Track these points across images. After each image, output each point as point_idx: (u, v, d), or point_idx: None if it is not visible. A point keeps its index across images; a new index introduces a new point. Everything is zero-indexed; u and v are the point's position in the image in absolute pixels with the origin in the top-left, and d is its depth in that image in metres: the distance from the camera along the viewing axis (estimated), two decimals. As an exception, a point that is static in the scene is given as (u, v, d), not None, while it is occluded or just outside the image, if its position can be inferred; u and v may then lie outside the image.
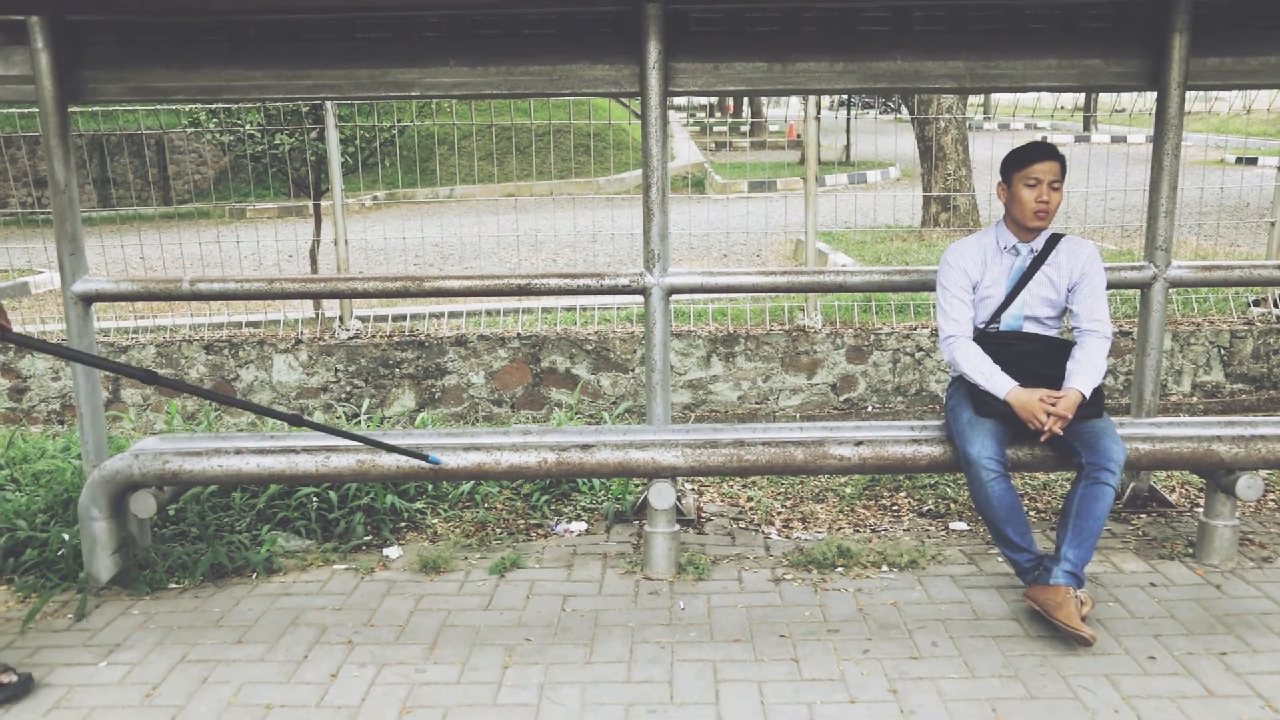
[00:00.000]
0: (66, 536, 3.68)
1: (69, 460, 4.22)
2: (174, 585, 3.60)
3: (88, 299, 3.79)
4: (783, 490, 4.56)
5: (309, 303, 7.31)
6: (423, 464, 3.48)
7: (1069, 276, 3.43)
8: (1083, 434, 3.29)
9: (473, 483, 4.34)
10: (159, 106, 8.03)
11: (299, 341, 6.70)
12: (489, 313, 7.11)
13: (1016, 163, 3.40)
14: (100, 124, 9.08)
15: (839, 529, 4.13)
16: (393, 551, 3.89)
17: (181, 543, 3.85)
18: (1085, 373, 3.31)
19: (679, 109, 25.35)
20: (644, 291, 3.87)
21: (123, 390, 6.73)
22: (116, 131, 8.72)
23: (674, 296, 4.07)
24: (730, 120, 27.37)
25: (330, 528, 4.02)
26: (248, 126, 7.58)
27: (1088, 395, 3.28)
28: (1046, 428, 3.25)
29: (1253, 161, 14.56)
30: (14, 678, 2.90)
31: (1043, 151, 3.38)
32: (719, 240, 10.00)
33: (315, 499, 4.06)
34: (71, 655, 3.13)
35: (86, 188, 13.84)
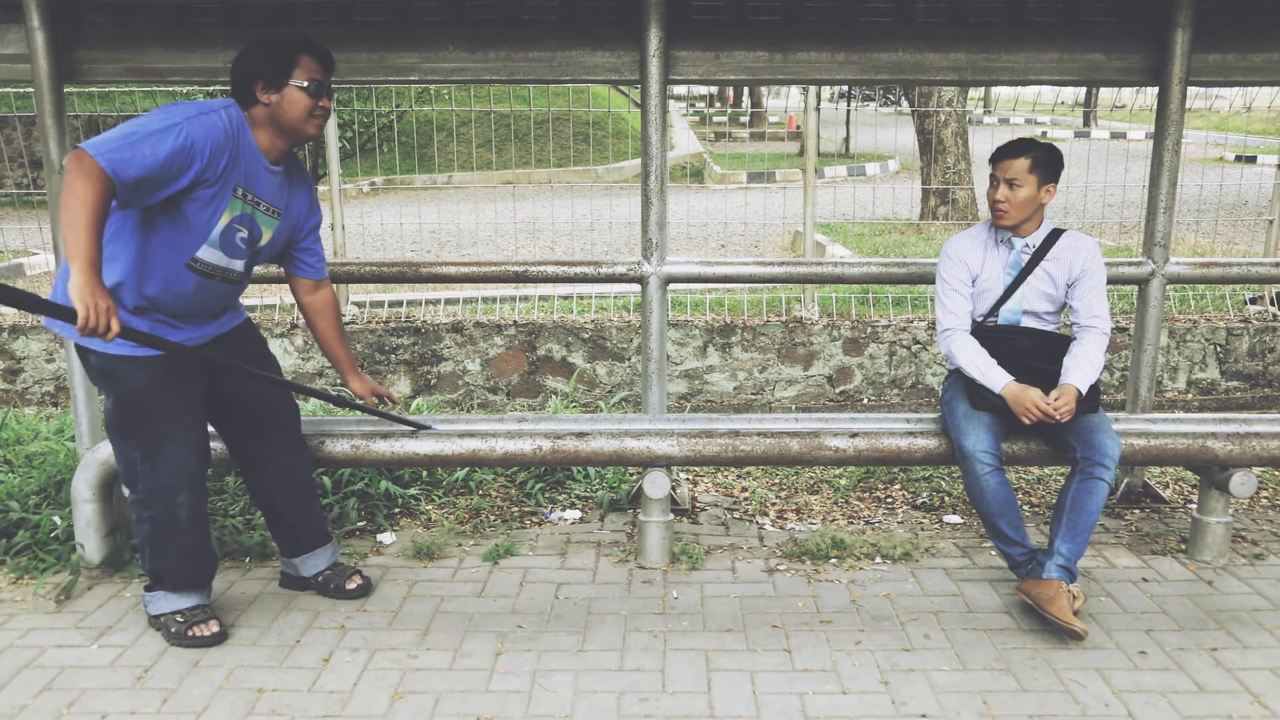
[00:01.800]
0: (59, 519, 3.67)
1: (62, 442, 4.21)
2: (166, 568, 3.60)
3: (82, 280, 3.77)
4: (777, 481, 4.56)
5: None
6: (416, 452, 3.49)
7: (1069, 272, 3.42)
8: (1078, 429, 3.29)
9: (467, 469, 4.34)
10: (156, 88, 7.98)
11: (294, 326, 6.68)
12: (485, 300, 7.09)
13: (991, 159, 3.42)
14: (97, 105, 9.04)
15: (833, 520, 4.13)
16: (387, 537, 3.89)
17: (174, 526, 3.84)
18: (1082, 368, 3.31)
19: (678, 99, 25.33)
20: (641, 280, 3.87)
21: (117, 373, 6.71)
22: (113, 113, 8.68)
23: (671, 286, 4.06)
24: (730, 110, 27.32)
25: (324, 513, 4.01)
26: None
27: (1084, 391, 3.28)
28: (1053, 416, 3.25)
29: (1252, 160, 14.55)
30: (360, 580, 3.39)
31: (1005, 149, 3.38)
32: (717, 230, 9.99)
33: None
34: (62, 637, 3.12)
35: (83, 169, 13.75)
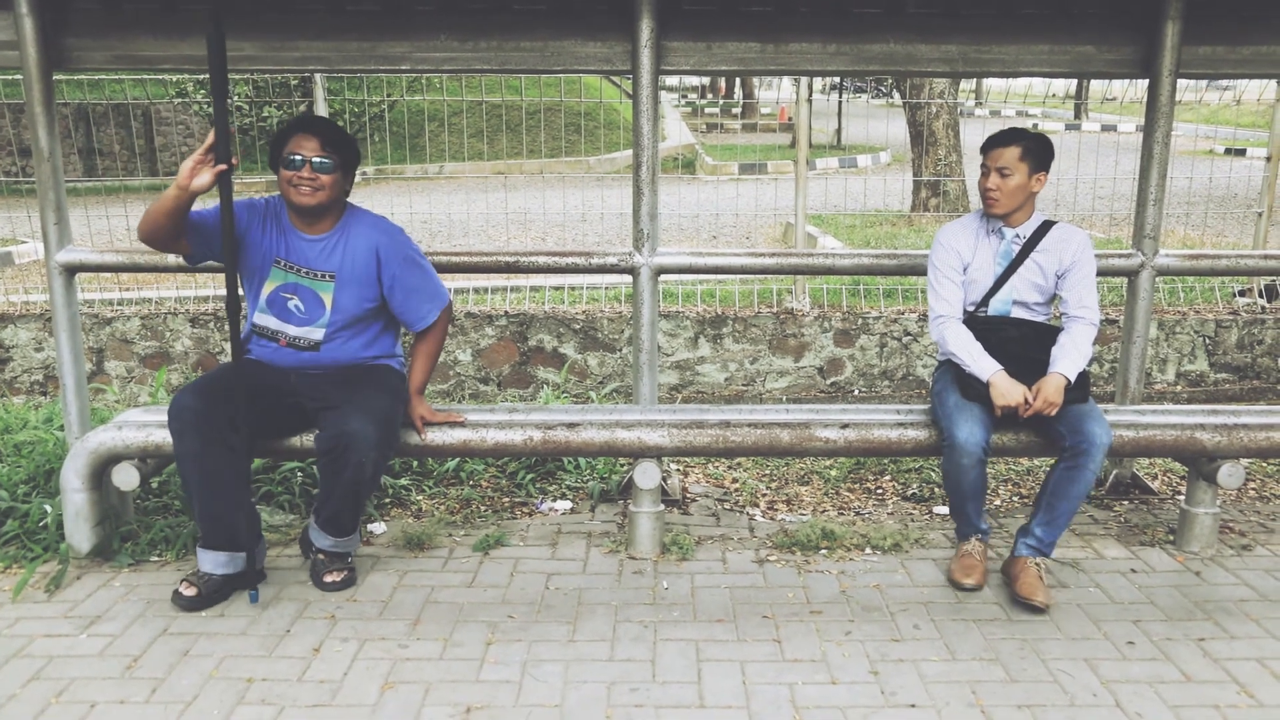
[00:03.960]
0: (49, 508, 3.66)
1: (51, 431, 4.20)
2: (156, 558, 3.59)
3: (72, 269, 3.76)
4: (768, 472, 4.57)
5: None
6: (407, 442, 3.48)
7: (1059, 263, 3.44)
8: (1068, 417, 3.31)
9: (458, 460, 4.34)
10: (145, 76, 7.94)
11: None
12: (477, 290, 7.08)
13: (982, 147, 3.45)
14: (86, 93, 8.99)
15: (823, 511, 4.14)
16: (377, 527, 3.88)
17: (164, 515, 3.84)
18: (1070, 357, 3.34)
19: (670, 89, 25.28)
20: (633, 271, 3.86)
21: (106, 362, 6.69)
22: (103, 101, 8.63)
23: (662, 277, 4.06)
24: (722, 102, 27.31)
25: (312, 502, 4.00)
26: (235, 98, 7.51)
27: (1071, 379, 3.31)
28: (1033, 409, 3.29)
29: (1241, 152, 14.58)
30: (345, 573, 3.38)
31: (996, 138, 3.42)
32: (708, 221, 9.98)
33: (300, 473, 4.05)
34: (51, 626, 3.12)
35: (72, 157, 13.71)
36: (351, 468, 3.19)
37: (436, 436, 3.54)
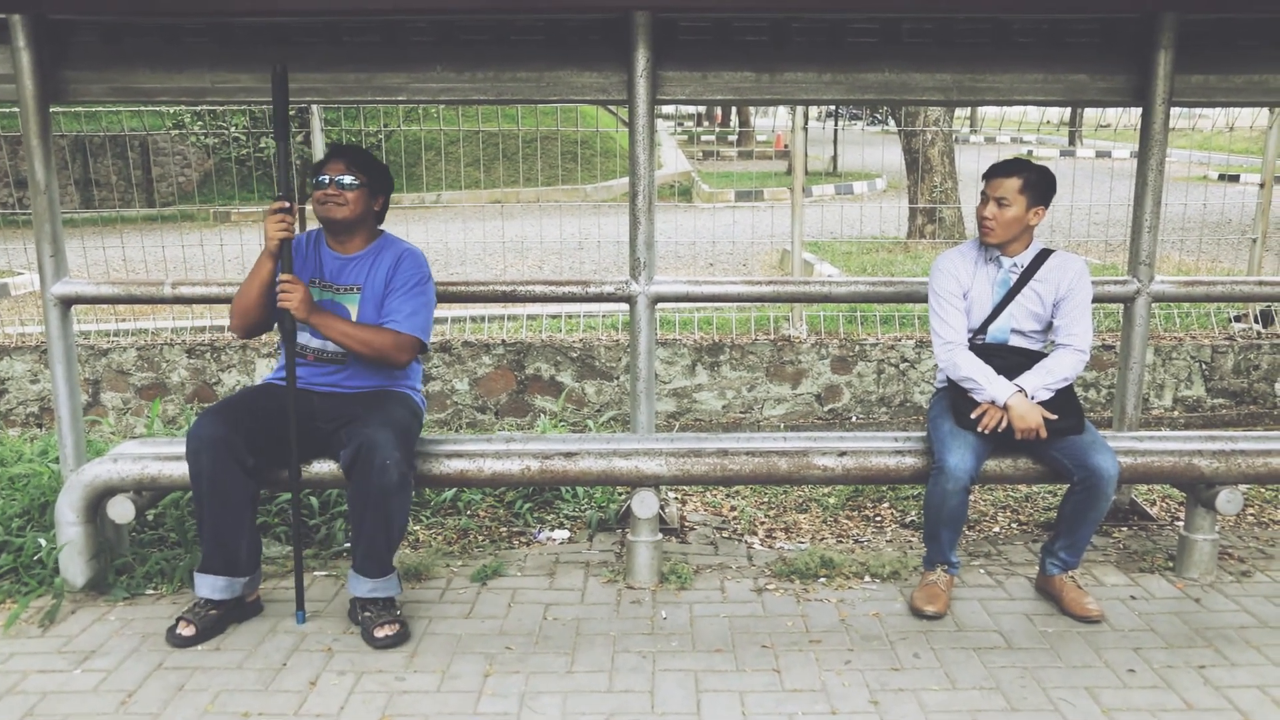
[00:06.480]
0: (43, 541, 3.64)
1: (46, 464, 4.18)
2: (151, 591, 3.57)
3: (68, 301, 3.76)
4: (766, 500, 4.55)
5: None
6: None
7: (1056, 291, 3.45)
8: (1071, 449, 3.34)
9: (456, 490, 4.32)
10: (143, 108, 7.96)
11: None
12: (474, 319, 7.08)
13: (984, 175, 3.48)
14: (83, 125, 9.02)
15: (822, 539, 4.12)
16: (373, 558, 3.86)
17: (160, 548, 3.82)
18: (1036, 373, 3.38)
19: (667, 118, 25.38)
20: (630, 299, 3.87)
21: (102, 394, 6.68)
22: (99, 133, 8.65)
23: (659, 305, 4.07)
24: (718, 129, 27.43)
25: (310, 534, 3.99)
26: (232, 129, 7.54)
27: (1029, 391, 3.33)
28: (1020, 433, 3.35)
29: (1235, 179, 14.65)
30: (398, 626, 3.24)
31: (999, 168, 3.44)
32: (705, 249, 10.01)
33: (296, 505, 4.03)
34: (45, 662, 3.09)
35: (68, 189, 13.72)
36: (376, 472, 3.14)
37: (434, 466, 3.53)
